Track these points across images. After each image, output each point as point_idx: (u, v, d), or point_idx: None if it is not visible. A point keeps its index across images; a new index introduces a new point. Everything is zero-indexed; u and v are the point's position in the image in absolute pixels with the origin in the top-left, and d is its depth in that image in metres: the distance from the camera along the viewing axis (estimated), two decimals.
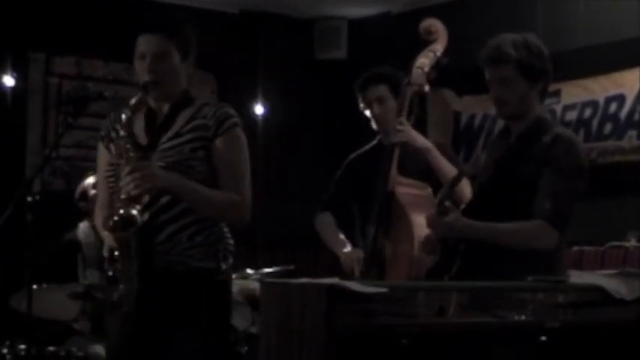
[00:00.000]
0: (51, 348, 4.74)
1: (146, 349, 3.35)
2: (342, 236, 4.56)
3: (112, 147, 3.43)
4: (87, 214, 5.67)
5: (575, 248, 6.05)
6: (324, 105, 8.25)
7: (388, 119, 4.45)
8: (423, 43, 4.31)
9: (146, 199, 3.30)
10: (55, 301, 4.81)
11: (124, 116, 3.34)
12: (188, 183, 3.34)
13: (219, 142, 3.39)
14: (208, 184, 3.37)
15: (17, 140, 7.05)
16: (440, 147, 4.35)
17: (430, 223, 3.65)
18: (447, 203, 3.60)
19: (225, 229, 3.48)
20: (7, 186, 5.57)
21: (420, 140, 4.28)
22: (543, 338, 3.03)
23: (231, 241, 3.50)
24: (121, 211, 3.25)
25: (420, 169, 4.31)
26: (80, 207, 5.70)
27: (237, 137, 3.43)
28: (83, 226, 5.64)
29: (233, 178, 3.40)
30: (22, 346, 4.62)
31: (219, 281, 3.41)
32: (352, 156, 4.71)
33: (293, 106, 8.21)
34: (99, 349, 4.78)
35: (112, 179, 3.41)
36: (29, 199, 4.13)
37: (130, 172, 3.27)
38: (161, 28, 3.44)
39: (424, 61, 4.25)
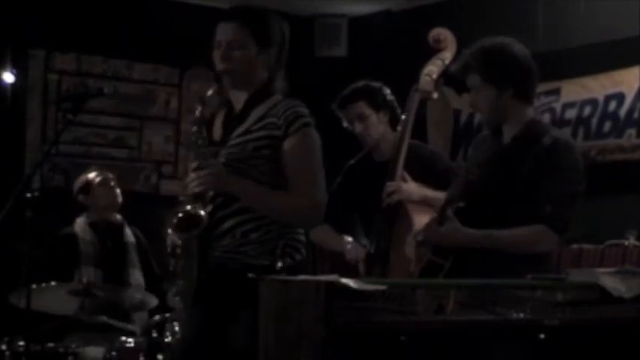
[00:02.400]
0: (50, 344, 4.74)
1: (203, 345, 3.31)
2: (342, 236, 4.55)
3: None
4: (85, 209, 5.63)
5: (574, 246, 6.04)
6: (324, 103, 8.22)
7: (372, 135, 4.45)
8: (432, 51, 4.32)
9: (209, 196, 3.23)
10: (54, 297, 4.80)
11: (196, 111, 3.26)
12: (251, 188, 3.25)
13: (287, 143, 3.27)
14: (273, 185, 3.28)
15: (16, 137, 7.03)
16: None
17: (427, 233, 3.64)
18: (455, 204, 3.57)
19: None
20: (7, 182, 5.56)
21: (416, 194, 4.22)
22: (542, 336, 3.03)
23: (301, 237, 3.37)
24: (188, 207, 3.19)
25: (425, 170, 4.30)
26: (79, 200, 5.64)
27: (307, 138, 3.30)
28: (80, 221, 5.57)
29: (302, 180, 3.28)
30: (21, 343, 4.62)
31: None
32: (351, 162, 4.71)
33: None
34: (94, 351, 4.77)
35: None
36: (28, 195, 4.13)
37: (196, 169, 3.22)
38: (237, 15, 3.33)
39: (432, 69, 4.26)
